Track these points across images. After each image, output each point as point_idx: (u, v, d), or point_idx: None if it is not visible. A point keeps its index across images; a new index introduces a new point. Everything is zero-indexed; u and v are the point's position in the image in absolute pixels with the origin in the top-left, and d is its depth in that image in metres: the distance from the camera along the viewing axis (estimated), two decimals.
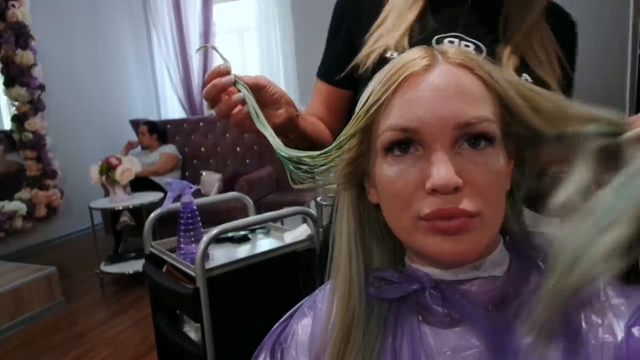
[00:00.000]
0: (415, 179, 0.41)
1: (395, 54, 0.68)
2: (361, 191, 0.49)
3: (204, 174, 3.69)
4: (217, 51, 0.65)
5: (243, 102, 0.59)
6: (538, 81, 0.64)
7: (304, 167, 0.50)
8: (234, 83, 0.60)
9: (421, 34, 0.69)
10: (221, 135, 4.05)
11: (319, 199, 2.32)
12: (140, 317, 2.55)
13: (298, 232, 1.51)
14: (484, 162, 0.41)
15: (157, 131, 3.89)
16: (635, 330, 0.39)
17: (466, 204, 0.40)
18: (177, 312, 1.55)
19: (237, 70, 0.60)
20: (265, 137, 0.57)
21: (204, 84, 0.60)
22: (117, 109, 4.67)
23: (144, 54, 5.03)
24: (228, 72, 0.60)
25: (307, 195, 3.41)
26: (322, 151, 0.49)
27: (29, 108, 3.70)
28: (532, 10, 0.66)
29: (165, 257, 1.45)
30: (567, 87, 0.70)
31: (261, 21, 4.30)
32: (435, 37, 0.69)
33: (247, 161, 3.89)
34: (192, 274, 1.29)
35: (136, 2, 4.89)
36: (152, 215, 1.53)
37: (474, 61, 0.43)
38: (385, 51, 0.69)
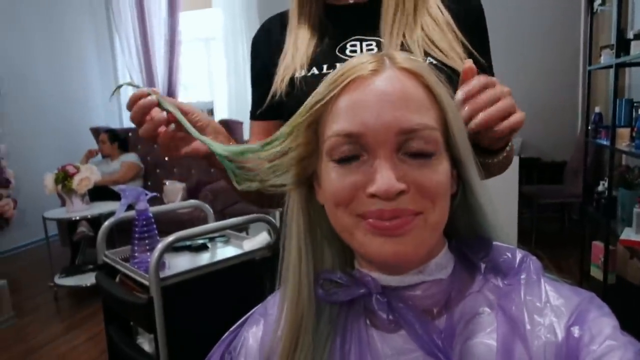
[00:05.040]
0: (358, 181, 0.41)
1: (303, 72, 0.72)
2: (312, 192, 0.49)
3: (167, 183, 3.60)
4: (135, 85, 0.65)
5: (167, 123, 0.61)
6: (444, 66, 0.66)
7: (248, 165, 0.50)
8: (158, 104, 0.60)
9: (320, 46, 0.74)
10: None
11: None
12: (97, 331, 2.44)
13: (257, 240, 1.50)
14: (427, 166, 0.42)
15: (118, 139, 3.79)
16: (574, 329, 0.40)
17: (408, 204, 0.40)
18: (131, 323, 1.50)
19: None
20: (199, 159, 0.63)
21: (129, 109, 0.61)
22: (78, 116, 4.53)
23: (107, 60, 4.91)
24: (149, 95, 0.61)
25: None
26: (264, 141, 0.49)
27: None
28: (407, 10, 0.70)
29: (119, 267, 1.40)
30: (481, 70, 0.72)
31: (228, 31, 4.28)
32: (338, 47, 0.73)
33: (212, 170, 3.81)
34: (146, 283, 1.25)
35: (99, 7, 4.79)
36: (106, 223, 1.48)
37: (420, 68, 0.44)
38: (294, 72, 0.73)
